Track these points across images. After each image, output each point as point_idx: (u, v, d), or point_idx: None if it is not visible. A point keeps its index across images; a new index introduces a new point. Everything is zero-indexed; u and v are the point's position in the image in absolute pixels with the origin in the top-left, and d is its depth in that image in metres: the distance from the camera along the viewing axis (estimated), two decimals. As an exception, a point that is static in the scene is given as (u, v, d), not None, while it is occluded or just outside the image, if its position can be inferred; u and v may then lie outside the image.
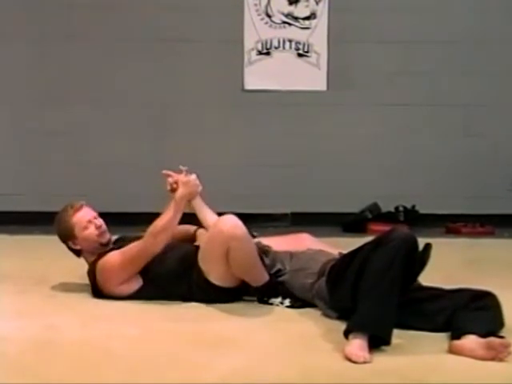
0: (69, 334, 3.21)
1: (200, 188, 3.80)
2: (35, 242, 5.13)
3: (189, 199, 3.75)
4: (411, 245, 3.13)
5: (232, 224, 3.50)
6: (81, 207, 3.80)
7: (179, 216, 3.64)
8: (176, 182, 3.75)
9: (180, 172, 3.81)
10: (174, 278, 3.65)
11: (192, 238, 3.90)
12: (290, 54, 6.08)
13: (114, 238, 3.93)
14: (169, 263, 3.65)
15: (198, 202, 3.81)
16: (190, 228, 3.98)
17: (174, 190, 3.74)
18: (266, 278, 3.63)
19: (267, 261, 3.68)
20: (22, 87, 6.10)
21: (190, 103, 6.11)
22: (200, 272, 3.61)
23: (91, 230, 3.76)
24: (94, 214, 3.82)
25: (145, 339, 3.16)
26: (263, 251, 3.72)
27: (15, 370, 2.80)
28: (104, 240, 3.79)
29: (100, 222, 3.80)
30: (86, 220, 3.76)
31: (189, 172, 3.78)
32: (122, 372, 2.79)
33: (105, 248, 3.78)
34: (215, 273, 3.58)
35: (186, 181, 3.75)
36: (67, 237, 3.78)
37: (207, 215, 3.79)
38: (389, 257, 3.05)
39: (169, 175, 3.81)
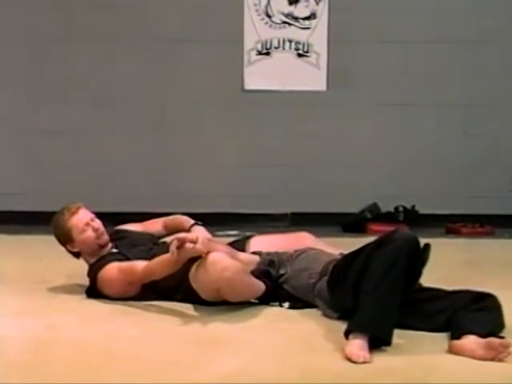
0: (69, 334, 3.21)
1: (204, 250, 3.47)
2: (35, 242, 5.12)
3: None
4: (413, 246, 3.12)
5: (220, 267, 3.38)
6: (77, 210, 3.78)
7: (176, 267, 3.47)
8: (183, 243, 3.43)
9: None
10: (171, 284, 3.61)
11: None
12: (289, 54, 6.08)
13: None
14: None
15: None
16: (186, 222, 3.92)
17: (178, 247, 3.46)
18: (261, 289, 3.59)
19: (273, 272, 3.66)
20: (22, 87, 6.10)
21: (190, 103, 6.11)
22: (192, 287, 3.57)
23: (89, 233, 3.74)
24: (91, 215, 3.80)
25: (145, 339, 3.16)
26: (268, 264, 3.69)
27: (15, 370, 2.80)
28: (102, 242, 3.77)
29: (97, 224, 3.78)
30: (84, 223, 3.74)
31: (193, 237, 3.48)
32: (122, 372, 2.79)
33: (103, 249, 3.77)
34: (206, 296, 3.55)
35: (190, 250, 3.41)
36: (65, 240, 3.78)
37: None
38: (391, 257, 3.05)
39: (181, 239, 3.45)
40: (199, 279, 3.49)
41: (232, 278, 3.40)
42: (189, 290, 3.57)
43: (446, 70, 6.14)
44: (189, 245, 3.38)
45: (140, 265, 3.57)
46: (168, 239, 3.77)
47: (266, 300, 3.62)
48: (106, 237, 3.80)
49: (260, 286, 3.58)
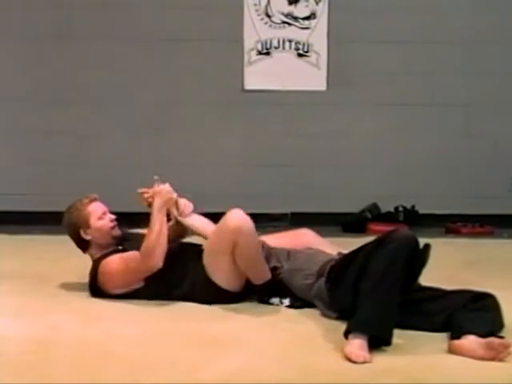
0: (69, 333, 3.22)
1: (175, 195, 3.76)
2: (35, 242, 5.13)
3: (167, 207, 3.72)
4: (412, 245, 3.13)
5: (240, 219, 3.53)
6: (95, 199, 3.85)
7: (165, 226, 3.63)
8: (151, 196, 3.73)
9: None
10: (175, 278, 3.66)
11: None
12: (289, 53, 6.08)
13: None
14: (171, 264, 3.64)
15: (191, 219, 3.81)
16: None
17: (151, 204, 3.72)
18: (268, 276, 3.64)
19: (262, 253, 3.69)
20: (22, 87, 6.10)
21: (190, 103, 6.12)
22: (204, 272, 3.62)
23: (105, 222, 3.79)
24: (106, 208, 3.86)
25: (145, 339, 3.16)
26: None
27: (15, 370, 2.81)
28: (116, 233, 3.81)
29: (113, 216, 3.85)
30: (102, 211, 3.81)
31: (160, 182, 3.76)
32: (122, 372, 2.79)
33: (113, 244, 3.79)
34: (219, 271, 3.59)
35: (159, 190, 3.73)
36: (80, 225, 3.77)
37: (205, 228, 3.78)
38: (390, 257, 3.06)
39: (144, 192, 3.79)
40: (217, 234, 3.56)
41: (250, 231, 3.52)
42: (192, 284, 3.63)
43: (446, 70, 6.14)
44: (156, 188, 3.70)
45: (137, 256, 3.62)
46: None
47: (268, 293, 3.63)
48: (119, 231, 3.84)
49: (267, 270, 3.63)
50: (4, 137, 6.13)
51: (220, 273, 3.60)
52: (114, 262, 3.64)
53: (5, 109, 6.11)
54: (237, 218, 3.54)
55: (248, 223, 3.54)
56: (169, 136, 6.16)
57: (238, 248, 3.51)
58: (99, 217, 3.78)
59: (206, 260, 3.63)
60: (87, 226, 3.77)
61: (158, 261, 3.57)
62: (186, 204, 3.82)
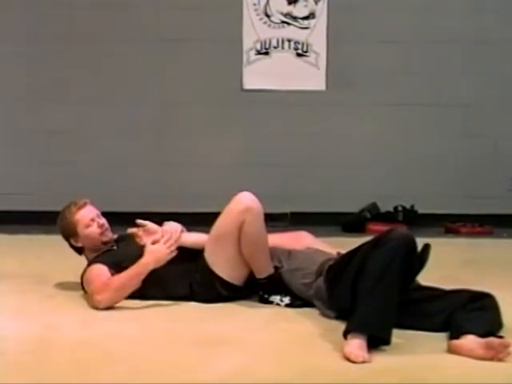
0: (69, 333, 3.22)
1: (171, 252, 3.63)
2: (35, 242, 5.13)
3: (155, 265, 3.61)
4: (410, 245, 3.13)
5: (251, 198, 3.60)
6: (84, 205, 3.83)
7: (143, 277, 3.56)
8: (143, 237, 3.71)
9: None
10: (174, 278, 3.66)
11: None
12: (288, 53, 6.09)
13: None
14: (169, 264, 3.64)
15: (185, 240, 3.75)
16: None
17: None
18: (270, 270, 3.64)
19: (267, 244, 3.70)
20: (22, 87, 6.10)
21: (190, 103, 6.12)
22: (205, 265, 3.61)
23: (93, 228, 3.79)
24: (97, 212, 3.86)
25: (145, 339, 3.16)
26: None
27: (15, 370, 2.81)
28: (106, 238, 3.82)
29: (103, 220, 3.84)
30: (89, 218, 3.79)
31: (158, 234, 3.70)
32: (122, 372, 2.79)
33: (106, 247, 3.80)
34: (222, 259, 3.59)
35: (152, 250, 3.60)
36: (69, 234, 3.81)
37: (199, 241, 3.77)
38: (387, 257, 3.06)
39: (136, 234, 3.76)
40: (226, 211, 3.61)
41: (259, 211, 3.57)
42: (191, 282, 3.65)
43: (446, 70, 6.14)
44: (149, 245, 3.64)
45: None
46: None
47: (268, 290, 3.63)
48: (110, 234, 3.85)
49: (270, 264, 3.64)
50: (4, 137, 6.13)
51: (223, 261, 3.60)
52: (95, 278, 3.60)
53: (5, 109, 6.12)
54: (247, 198, 3.60)
55: (258, 204, 3.59)
56: (168, 136, 6.17)
57: (245, 227, 3.53)
58: (87, 224, 3.78)
59: (210, 246, 3.63)
60: (76, 234, 3.80)
61: (104, 301, 3.51)
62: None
